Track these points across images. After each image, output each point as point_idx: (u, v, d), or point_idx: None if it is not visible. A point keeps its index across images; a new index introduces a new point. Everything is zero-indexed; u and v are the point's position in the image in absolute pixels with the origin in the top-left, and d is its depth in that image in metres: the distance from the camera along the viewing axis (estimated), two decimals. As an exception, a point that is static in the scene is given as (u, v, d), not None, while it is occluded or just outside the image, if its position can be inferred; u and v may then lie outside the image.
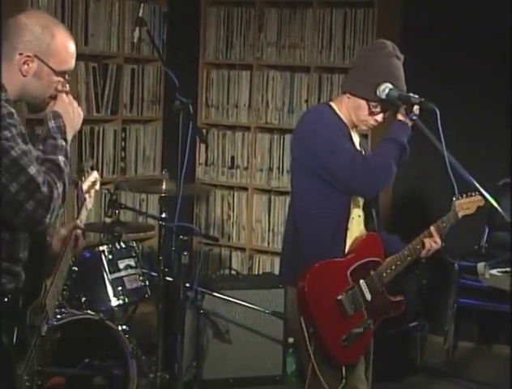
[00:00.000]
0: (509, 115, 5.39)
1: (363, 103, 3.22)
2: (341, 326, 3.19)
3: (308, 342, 3.15)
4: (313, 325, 3.16)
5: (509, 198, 5.08)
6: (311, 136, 3.20)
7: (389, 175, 3.19)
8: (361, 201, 3.32)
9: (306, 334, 3.15)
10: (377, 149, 3.23)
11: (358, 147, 3.32)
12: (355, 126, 3.32)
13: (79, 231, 2.92)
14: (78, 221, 2.96)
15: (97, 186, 3.15)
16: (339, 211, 3.22)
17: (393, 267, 3.29)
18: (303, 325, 3.16)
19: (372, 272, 3.27)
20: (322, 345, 3.17)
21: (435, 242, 3.33)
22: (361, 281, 3.24)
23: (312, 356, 3.15)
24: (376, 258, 3.30)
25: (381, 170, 3.16)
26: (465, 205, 3.43)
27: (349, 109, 3.26)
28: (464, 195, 3.40)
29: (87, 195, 3.06)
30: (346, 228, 3.25)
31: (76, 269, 4.22)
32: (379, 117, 3.24)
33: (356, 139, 3.34)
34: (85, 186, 3.08)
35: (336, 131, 3.20)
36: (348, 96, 3.26)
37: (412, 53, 5.69)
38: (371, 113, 3.23)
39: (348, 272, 3.22)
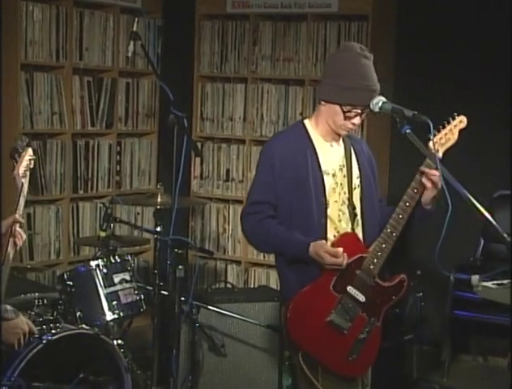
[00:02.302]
0: (510, 128, 5.39)
1: (337, 108, 3.19)
2: (342, 343, 3.16)
3: (314, 380, 3.15)
4: (315, 357, 3.15)
5: (507, 210, 5.07)
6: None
7: (253, 243, 3.36)
8: (351, 216, 3.27)
9: (307, 371, 3.15)
10: (277, 227, 3.21)
11: (340, 159, 3.28)
12: (337, 136, 3.28)
13: (19, 228, 2.85)
14: (17, 215, 2.86)
15: (32, 164, 2.98)
16: (316, 229, 3.20)
17: (379, 254, 3.17)
18: (302, 364, 3.15)
19: (357, 272, 3.18)
20: (332, 370, 3.16)
21: (433, 175, 3.11)
22: (348, 288, 3.18)
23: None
24: (357, 256, 3.18)
25: (252, 236, 3.28)
26: (443, 139, 3.18)
27: (326, 117, 3.24)
28: (441, 127, 3.16)
29: (23, 180, 2.92)
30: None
31: (71, 283, 4.23)
32: (356, 121, 3.21)
33: (336, 150, 3.29)
34: (21, 170, 2.94)
35: (269, 168, 3.21)
36: (323, 103, 3.24)
37: (407, 66, 5.75)
38: (346, 118, 3.19)
39: (331, 287, 3.16)
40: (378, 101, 3.15)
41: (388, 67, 5.68)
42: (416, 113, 3.06)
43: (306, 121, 3.32)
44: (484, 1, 5.51)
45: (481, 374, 5.50)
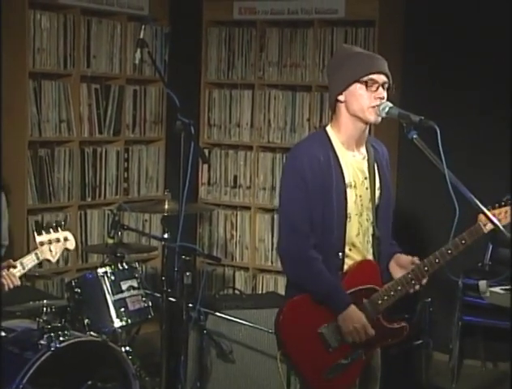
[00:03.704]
0: (510, 128, 5.38)
1: (357, 88, 3.13)
2: (324, 359, 3.11)
3: (282, 377, 3.14)
4: (293, 360, 3.13)
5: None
6: (282, 176, 3.27)
7: (288, 270, 3.17)
8: (368, 229, 3.23)
9: (280, 369, 3.14)
10: (320, 270, 3.10)
11: (363, 170, 3.22)
12: (360, 142, 3.23)
13: (10, 271, 3.12)
14: (17, 263, 3.12)
15: (69, 245, 3.33)
16: (333, 241, 3.14)
17: (392, 293, 3.15)
18: (278, 362, 3.14)
19: (364, 300, 3.15)
20: (304, 379, 3.14)
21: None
22: None
23: None
24: (370, 286, 3.17)
25: (291, 263, 3.13)
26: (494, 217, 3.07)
27: (352, 110, 3.15)
28: (490, 207, 3.11)
29: (43, 247, 3.23)
30: (343, 257, 3.17)
31: (79, 291, 4.23)
32: (380, 94, 3.13)
33: (358, 161, 3.22)
34: (41, 238, 3.26)
35: (301, 183, 3.11)
36: (340, 99, 3.17)
37: (414, 71, 5.75)
38: (371, 92, 3.12)
39: None
40: (385, 106, 3.12)
41: (395, 72, 5.63)
42: (422, 118, 3.04)
43: (328, 129, 3.22)
44: (489, 6, 5.50)
45: (490, 379, 5.49)
